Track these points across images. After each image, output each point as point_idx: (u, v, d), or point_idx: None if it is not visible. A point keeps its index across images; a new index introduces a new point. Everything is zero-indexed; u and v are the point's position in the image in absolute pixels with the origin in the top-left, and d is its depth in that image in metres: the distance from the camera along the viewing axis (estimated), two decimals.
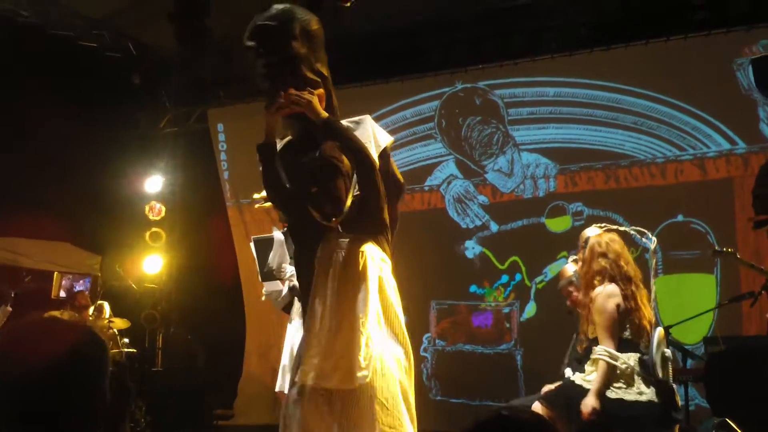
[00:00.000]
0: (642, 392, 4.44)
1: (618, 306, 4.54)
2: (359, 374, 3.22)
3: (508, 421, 1.56)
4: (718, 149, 7.66)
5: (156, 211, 10.35)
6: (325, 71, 3.53)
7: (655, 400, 4.43)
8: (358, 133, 3.50)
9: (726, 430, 5.28)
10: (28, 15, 8.50)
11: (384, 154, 3.57)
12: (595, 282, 4.64)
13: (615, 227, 5.08)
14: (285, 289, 5.53)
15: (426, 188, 8.83)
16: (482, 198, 8.61)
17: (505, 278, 8.45)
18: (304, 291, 3.54)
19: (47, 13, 8.61)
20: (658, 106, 7.85)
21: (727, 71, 7.52)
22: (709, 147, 7.69)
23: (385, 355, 3.31)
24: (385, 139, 3.61)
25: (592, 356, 4.61)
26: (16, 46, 8.42)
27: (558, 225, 8.21)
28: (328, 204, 3.45)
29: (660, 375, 4.54)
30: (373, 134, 3.56)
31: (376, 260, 3.40)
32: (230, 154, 9.96)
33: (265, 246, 5.26)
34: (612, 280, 4.62)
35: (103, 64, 9.58)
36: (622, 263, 4.67)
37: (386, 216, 3.52)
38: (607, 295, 4.55)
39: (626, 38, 7.94)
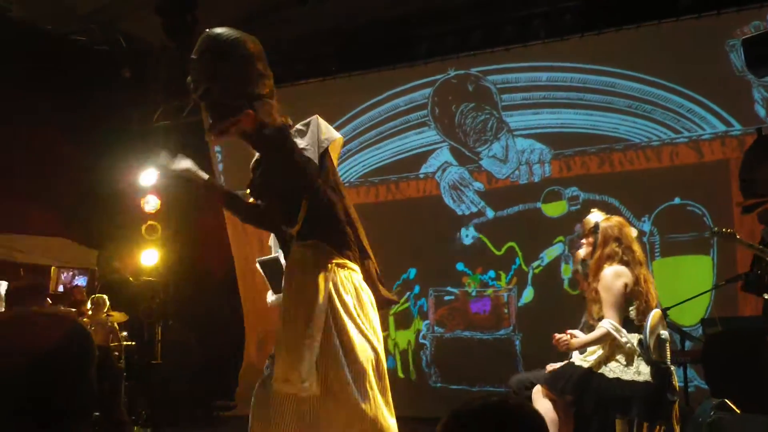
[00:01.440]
0: (640, 372, 4.48)
1: (626, 285, 4.60)
2: (303, 384, 3.31)
3: (494, 408, 1.56)
4: (714, 131, 7.65)
5: (151, 204, 10.34)
6: (259, 87, 3.51)
7: (651, 380, 4.46)
8: (303, 134, 3.54)
9: (724, 410, 5.31)
10: (17, 9, 8.46)
11: (325, 154, 3.60)
12: (605, 266, 4.69)
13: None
14: None
15: (421, 176, 8.82)
16: (477, 184, 8.61)
17: (492, 273, 8.48)
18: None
19: (35, 7, 8.57)
20: (652, 89, 7.84)
21: (720, 53, 7.51)
22: (704, 129, 7.69)
23: (359, 355, 3.35)
24: (331, 138, 3.63)
25: (597, 326, 4.63)
26: (4, 41, 8.38)
27: (554, 210, 8.21)
28: (283, 215, 3.60)
29: (653, 357, 4.57)
30: (316, 135, 3.59)
31: (331, 266, 3.46)
32: (225, 146, 9.94)
33: (271, 265, 5.27)
34: (622, 263, 4.66)
35: (93, 58, 9.55)
36: (635, 248, 4.73)
37: (341, 220, 3.57)
38: (616, 273, 4.62)
39: (616, 22, 7.93)
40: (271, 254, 5.36)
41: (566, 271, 7.99)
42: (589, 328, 5.27)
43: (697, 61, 7.69)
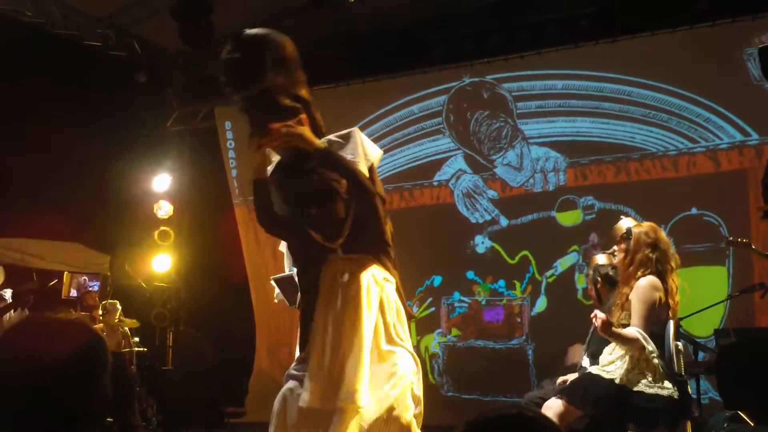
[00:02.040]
0: (663, 387, 4.41)
1: (660, 299, 4.52)
2: (360, 395, 3.21)
3: (514, 419, 1.53)
4: (731, 141, 7.58)
5: (164, 209, 10.36)
6: (304, 94, 3.46)
7: (676, 395, 4.40)
8: (347, 149, 3.48)
9: (737, 422, 5.25)
10: (32, 15, 8.48)
11: (372, 168, 3.55)
12: (639, 273, 4.61)
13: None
14: None
15: (435, 183, 8.79)
16: (491, 192, 8.57)
17: (503, 282, 8.43)
18: (305, 311, 3.52)
19: (50, 13, 8.59)
20: (668, 98, 7.79)
21: (737, 61, 7.45)
22: (721, 138, 7.62)
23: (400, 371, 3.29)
24: (375, 153, 3.58)
25: (626, 331, 4.55)
26: (20, 47, 8.41)
27: (568, 219, 8.16)
28: (328, 226, 3.44)
29: (675, 368, 4.52)
30: (362, 148, 3.52)
31: (378, 281, 3.39)
32: (239, 151, 9.94)
33: (286, 282, 5.24)
34: (656, 272, 4.59)
35: (108, 64, 9.57)
36: (671, 253, 4.67)
37: (387, 234, 3.50)
38: (653, 286, 4.54)
39: (631, 30, 7.88)
40: (284, 261, 5.34)
41: (580, 281, 7.93)
42: (598, 340, 5.21)
43: (713, 70, 7.63)
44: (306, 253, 3.56)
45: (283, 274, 5.20)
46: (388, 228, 3.53)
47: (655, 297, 4.53)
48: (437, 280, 8.69)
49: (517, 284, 8.37)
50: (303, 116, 3.41)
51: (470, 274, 8.59)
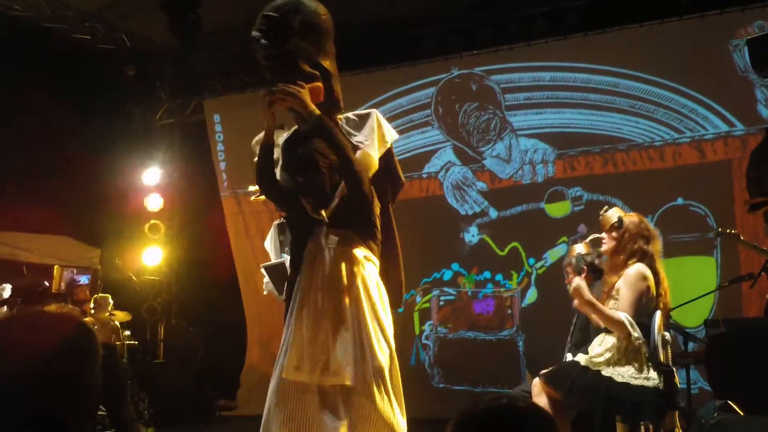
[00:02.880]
0: (649, 377, 4.43)
1: (648, 288, 4.55)
2: (348, 371, 3.26)
3: (505, 409, 1.55)
4: (716, 131, 7.63)
5: (154, 203, 10.35)
6: (328, 64, 3.50)
7: (661, 386, 4.42)
8: (362, 129, 3.50)
9: (727, 412, 5.28)
10: (20, 9, 8.45)
11: (389, 151, 3.57)
12: (629, 263, 4.64)
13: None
14: None
15: (424, 175, 8.81)
16: (481, 184, 8.59)
17: (487, 274, 8.45)
18: (290, 282, 3.55)
19: (40, 6, 8.56)
20: (654, 89, 7.82)
21: (723, 53, 7.49)
22: (706, 129, 7.67)
23: (378, 352, 3.32)
24: (392, 136, 3.60)
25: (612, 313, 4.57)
26: (8, 41, 8.39)
27: (557, 210, 8.19)
28: (311, 196, 3.46)
29: (661, 358, 4.54)
30: (377, 132, 3.54)
31: (359, 258, 3.41)
32: (227, 144, 9.94)
33: (277, 270, 5.24)
34: (646, 262, 4.62)
35: (97, 57, 9.55)
36: (657, 244, 4.70)
37: (375, 215, 3.52)
38: (642, 274, 4.55)
39: (619, 21, 7.91)
40: (270, 257, 5.35)
41: None
42: (581, 330, 5.23)
43: (699, 61, 7.67)
44: (296, 222, 3.60)
45: (273, 262, 5.21)
46: (378, 208, 3.56)
47: (644, 286, 4.55)
48: (429, 272, 8.72)
49: (514, 275, 8.38)
50: (318, 84, 3.43)
51: (455, 266, 8.63)
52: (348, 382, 3.25)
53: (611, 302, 4.64)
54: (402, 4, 8.49)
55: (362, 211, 3.47)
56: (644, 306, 4.58)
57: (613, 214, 4.96)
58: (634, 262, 4.63)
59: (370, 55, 8.94)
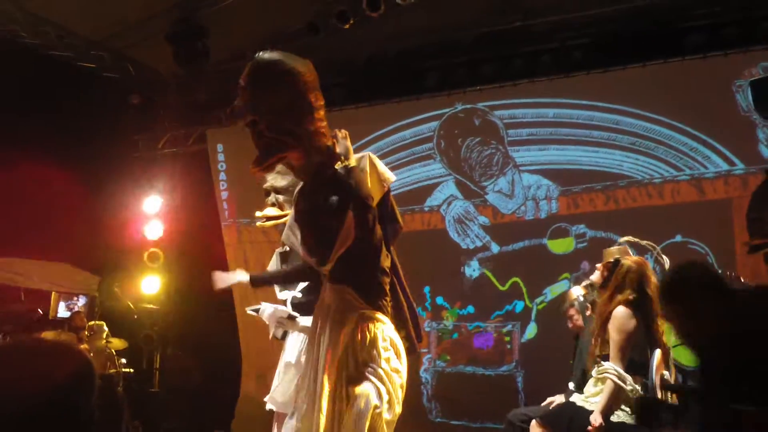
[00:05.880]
0: None
1: (636, 328, 4.54)
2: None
3: None
4: (717, 170, 7.65)
5: (154, 231, 10.34)
6: (303, 125, 3.43)
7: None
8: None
9: None
10: (27, 36, 8.50)
11: (387, 194, 3.56)
12: (613, 304, 4.64)
13: (635, 240, 5.11)
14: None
15: (426, 208, 8.81)
16: (483, 219, 8.59)
17: (471, 308, 8.43)
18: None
19: (46, 34, 8.60)
20: (655, 127, 7.85)
21: (726, 93, 7.52)
22: (707, 168, 7.68)
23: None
24: (388, 178, 3.59)
25: (597, 373, 4.59)
26: (13, 67, 8.42)
27: (560, 247, 8.18)
28: (305, 252, 3.46)
29: (659, 396, 4.53)
30: (368, 174, 3.54)
31: (346, 319, 3.39)
32: (230, 173, 9.95)
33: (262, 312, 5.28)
34: (635, 305, 4.61)
35: (101, 86, 9.59)
36: (653, 289, 4.68)
37: (377, 266, 3.48)
38: (629, 314, 4.56)
39: (623, 61, 7.96)
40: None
41: None
42: (581, 367, 5.21)
43: (701, 101, 7.70)
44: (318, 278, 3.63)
45: (254, 307, 5.26)
46: (385, 254, 3.53)
47: (632, 326, 4.55)
48: (428, 304, 8.70)
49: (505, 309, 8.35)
50: (295, 149, 3.40)
51: (439, 300, 8.62)
52: None
53: (603, 345, 4.65)
54: (406, 39, 8.55)
55: (362, 266, 3.43)
56: (634, 344, 4.57)
57: (615, 251, 4.97)
58: (619, 302, 4.63)
59: (374, 88, 8.98)
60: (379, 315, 3.43)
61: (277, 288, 5.22)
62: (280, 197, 4.97)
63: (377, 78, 8.98)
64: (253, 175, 3.47)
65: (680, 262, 3.55)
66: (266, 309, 5.04)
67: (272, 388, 5.05)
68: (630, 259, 4.87)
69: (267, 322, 5.11)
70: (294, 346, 4.90)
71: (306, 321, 4.56)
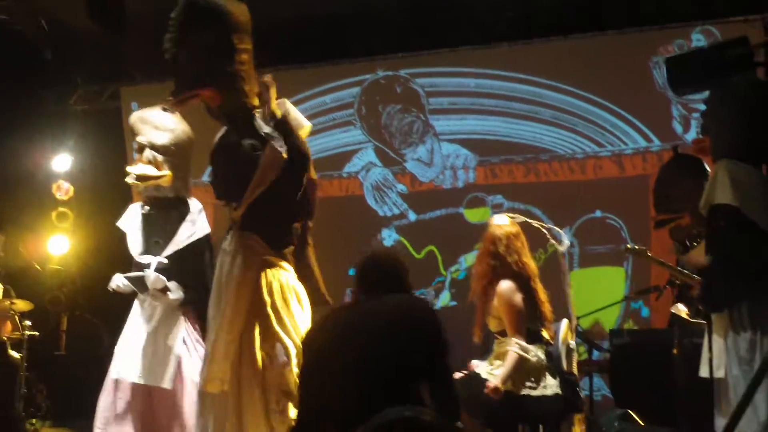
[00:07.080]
0: (547, 386, 4.44)
1: (523, 300, 4.53)
2: (222, 383, 3.31)
3: (410, 422, 1.50)
4: (635, 146, 7.79)
5: (64, 190, 10.00)
6: (223, 65, 3.46)
7: (560, 391, 4.45)
8: (272, 123, 3.45)
9: (628, 421, 5.39)
10: None
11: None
12: (494, 276, 4.62)
13: (523, 219, 5.06)
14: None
15: (344, 175, 8.75)
16: (401, 186, 8.58)
17: None
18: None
19: None
20: (577, 102, 7.94)
21: (643, 69, 7.64)
22: (626, 144, 7.82)
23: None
24: (300, 123, 3.57)
25: (499, 347, 4.60)
26: None
27: (476, 216, 8.21)
28: (218, 194, 3.45)
29: (564, 366, 4.58)
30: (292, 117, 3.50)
31: (253, 266, 3.36)
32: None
33: (137, 282, 5.09)
34: (511, 275, 4.59)
35: (10, 38, 9.21)
36: (525, 260, 4.67)
37: (285, 215, 3.50)
38: (512, 290, 4.53)
39: (545, 34, 8.00)
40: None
41: None
42: (486, 338, 5.21)
43: (620, 76, 7.82)
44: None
45: (133, 274, 5.08)
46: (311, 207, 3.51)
47: (519, 299, 4.54)
48: (342, 271, 8.65)
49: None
50: (209, 88, 3.44)
51: (351, 271, 8.58)
52: (224, 388, 3.23)
53: (494, 322, 4.64)
54: (329, 2, 8.42)
55: (271, 214, 3.41)
56: (529, 314, 4.57)
57: (492, 220, 4.93)
58: (497, 275, 4.61)
59: (295, 52, 8.83)
60: (284, 263, 3.43)
61: (136, 250, 5.03)
62: (159, 156, 4.68)
63: (298, 42, 8.83)
64: (165, 107, 3.44)
65: None
66: (150, 276, 4.82)
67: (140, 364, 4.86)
68: (499, 227, 4.82)
69: (133, 287, 4.90)
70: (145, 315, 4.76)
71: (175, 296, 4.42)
